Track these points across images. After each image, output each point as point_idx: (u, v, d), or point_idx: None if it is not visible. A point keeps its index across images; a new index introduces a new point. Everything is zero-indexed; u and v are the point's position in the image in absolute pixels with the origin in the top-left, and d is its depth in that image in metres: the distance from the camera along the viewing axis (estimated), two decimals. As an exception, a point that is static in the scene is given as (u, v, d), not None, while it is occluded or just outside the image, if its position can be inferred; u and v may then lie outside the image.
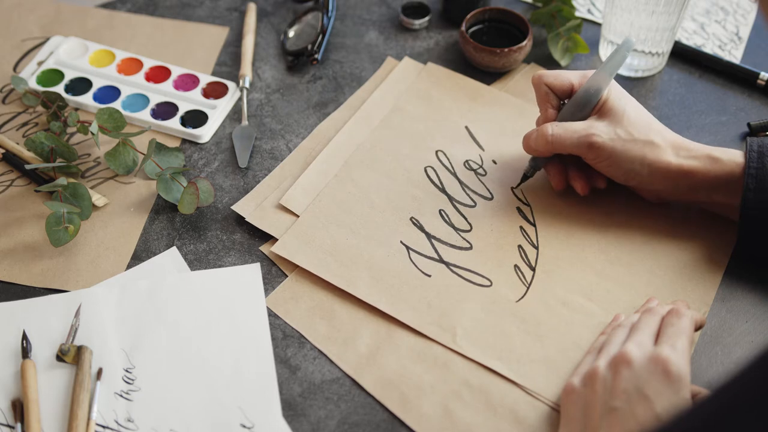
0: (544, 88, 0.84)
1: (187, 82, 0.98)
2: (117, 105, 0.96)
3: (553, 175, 0.85)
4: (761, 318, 0.78)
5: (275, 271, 0.82)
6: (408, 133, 0.93)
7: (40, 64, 1.00)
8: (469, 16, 1.00)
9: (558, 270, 0.81)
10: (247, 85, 0.97)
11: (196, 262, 0.83)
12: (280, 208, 0.86)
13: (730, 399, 0.48)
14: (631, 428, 0.63)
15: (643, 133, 0.80)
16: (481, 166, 0.90)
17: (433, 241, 0.84)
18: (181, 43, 1.03)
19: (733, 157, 0.79)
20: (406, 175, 0.89)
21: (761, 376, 0.48)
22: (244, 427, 0.72)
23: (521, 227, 0.85)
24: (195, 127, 0.94)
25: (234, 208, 0.86)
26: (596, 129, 0.80)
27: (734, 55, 1.02)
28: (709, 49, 1.03)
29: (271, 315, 0.79)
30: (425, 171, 0.89)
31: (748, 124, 0.94)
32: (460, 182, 0.89)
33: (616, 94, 0.82)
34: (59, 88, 0.97)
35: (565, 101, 0.84)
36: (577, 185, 0.84)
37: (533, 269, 0.82)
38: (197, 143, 0.93)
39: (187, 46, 1.03)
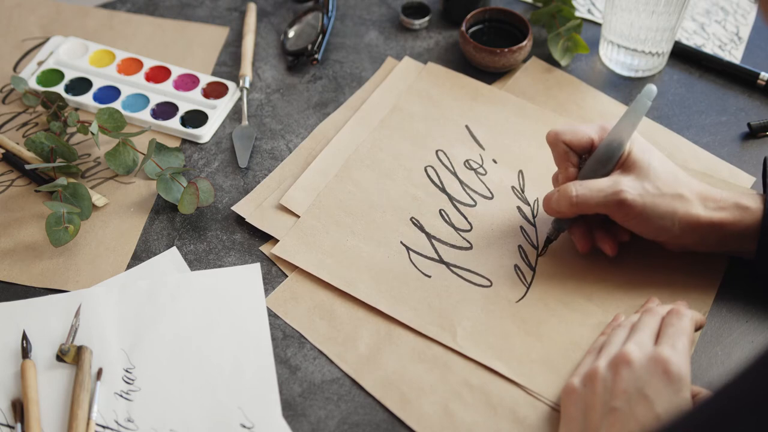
0: (562, 147, 0.79)
1: (187, 82, 0.98)
2: (117, 105, 0.96)
3: (579, 238, 0.80)
4: (761, 318, 0.78)
5: (275, 271, 0.82)
6: (408, 132, 0.93)
7: (40, 64, 1.00)
8: (469, 16, 1.00)
9: (558, 270, 0.81)
10: (247, 85, 0.97)
11: (196, 262, 0.83)
12: (280, 208, 0.86)
13: (730, 401, 0.48)
14: (631, 428, 0.63)
15: (671, 187, 0.76)
16: (481, 166, 0.90)
17: (433, 241, 0.84)
18: (181, 43, 1.03)
19: (761, 203, 0.76)
20: (406, 174, 0.89)
21: (761, 378, 0.48)
22: (244, 427, 0.72)
23: (521, 227, 0.85)
24: (195, 127, 0.94)
25: (234, 208, 0.86)
26: (623, 185, 0.75)
27: (734, 55, 1.02)
28: (709, 49, 1.03)
29: (271, 315, 0.79)
30: (425, 171, 0.89)
31: (748, 124, 0.94)
32: (461, 182, 0.89)
33: (639, 147, 0.78)
34: (59, 88, 0.97)
35: (585, 156, 0.80)
36: (606, 247, 0.80)
37: (533, 269, 0.82)
38: (197, 143, 0.93)
39: (187, 46, 1.03)
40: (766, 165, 0.80)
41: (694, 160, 0.90)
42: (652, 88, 0.78)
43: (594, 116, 0.95)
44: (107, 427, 0.72)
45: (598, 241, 0.80)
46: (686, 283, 0.80)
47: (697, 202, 0.76)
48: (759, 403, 0.46)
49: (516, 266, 0.82)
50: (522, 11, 1.06)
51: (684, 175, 0.78)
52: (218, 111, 0.96)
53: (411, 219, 0.85)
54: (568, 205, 0.77)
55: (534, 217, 0.86)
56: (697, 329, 0.74)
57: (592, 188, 0.76)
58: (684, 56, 1.01)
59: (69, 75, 0.99)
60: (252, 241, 0.85)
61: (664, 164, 0.78)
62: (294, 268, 0.82)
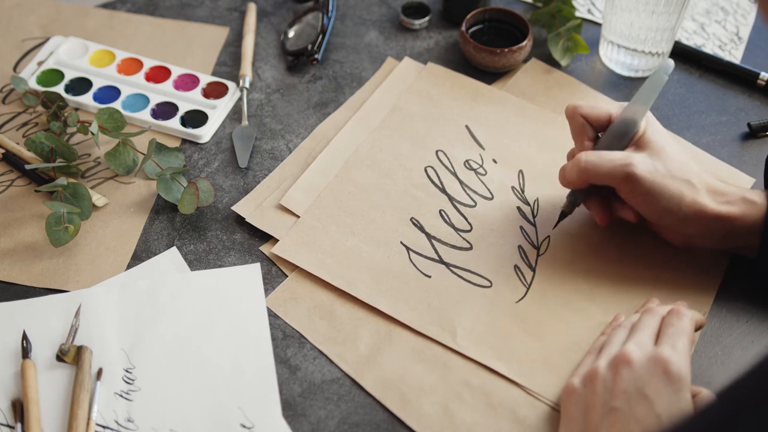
0: (579, 120, 0.79)
1: (187, 82, 0.98)
2: (117, 105, 0.96)
3: (596, 210, 0.80)
4: (761, 318, 0.78)
5: (275, 271, 0.82)
6: (408, 132, 0.93)
7: (40, 64, 1.00)
8: (469, 16, 1.00)
9: (558, 270, 0.81)
10: (247, 85, 0.97)
11: (196, 262, 0.83)
12: (280, 208, 0.86)
13: (731, 405, 0.48)
14: (632, 429, 0.63)
15: (681, 172, 0.76)
16: (481, 166, 0.90)
17: (433, 241, 0.84)
18: (181, 43, 1.03)
19: (765, 199, 0.76)
20: (406, 175, 0.89)
21: (763, 380, 0.47)
22: (244, 427, 0.72)
23: (521, 227, 0.85)
24: (195, 127, 0.94)
25: (234, 208, 0.86)
26: (635, 159, 0.75)
27: (734, 55, 1.02)
28: (709, 49, 1.03)
29: (271, 315, 0.79)
30: (425, 171, 0.89)
31: (748, 124, 0.94)
32: (461, 182, 0.89)
33: (654, 128, 0.78)
34: (59, 88, 0.97)
35: (601, 133, 0.80)
36: (627, 213, 0.79)
37: (533, 269, 0.82)
38: (197, 143, 0.93)
39: (187, 46, 1.03)
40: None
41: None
42: (670, 63, 0.77)
43: (594, 116, 0.95)
44: (107, 427, 0.72)
45: (617, 210, 0.80)
46: (686, 282, 0.80)
47: (704, 193, 0.76)
48: (760, 406, 0.46)
49: (516, 266, 0.82)
50: (522, 11, 1.06)
51: (695, 166, 0.78)
52: (218, 111, 0.96)
53: (411, 219, 0.85)
54: (577, 171, 0.77)
55: (534, 217, 0.86)
56: (697, 329, 0.74)
57: (602, 157, 0.76)
58: (684, 56, 1.01)
59: (69, 75, 0.99)
60: (252, 241, 0.85)
61: (676, 149, 0.78)
62: (294, 268, 0.82)
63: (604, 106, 0.80)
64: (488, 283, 0.81)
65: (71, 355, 0.75)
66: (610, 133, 0.78)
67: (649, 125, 0.78)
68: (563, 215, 0.82)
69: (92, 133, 0.88)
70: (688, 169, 0.77)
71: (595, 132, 0.80)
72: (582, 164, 0.76)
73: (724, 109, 0.96)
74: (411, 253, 0.83)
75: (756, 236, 0.76)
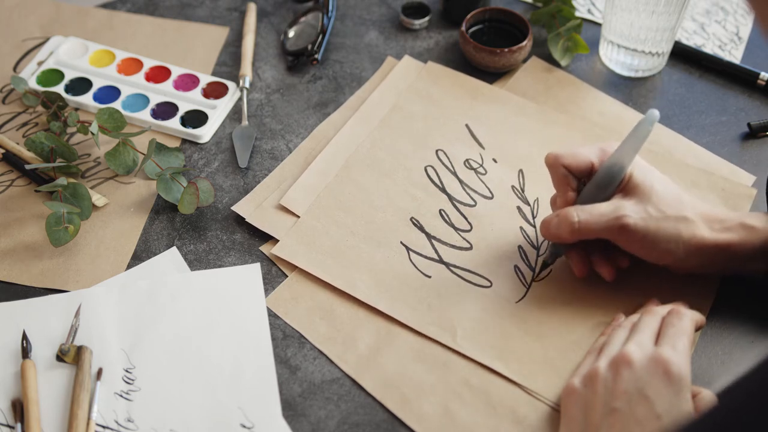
0: (561, 170, 0.77)
1: (187, 82, 0.98)
2: (117, 105, 0.96)
3: (576, 263, 0.78)
4: (761, 318, 0.78)
5: (275, 271, 0.82)
6: (408, 132, 0.93)
7: (40, 64, 1.00)
8: (469, 16, 1.00)
9: (558, 270, 0.81)
10: (247, 85, 0.97)
11: (196, 262, 0.83)
12: (280, 208, 0.86)
13: (732, 410, 0.48)
14: (632, 429, 0.64)
15: (674, 209, 0.74)
16: (481, 165, 0.90)
17: (433, 241, 0.84)
18: (181, 43, 1.03)
19: (767, 223, 0.74)
20: (406, 174, 0.89)
21: (764, 385, 0.47)
22: (244, 427, 0.72)
23: (521, 227, 0.85)
24: (195, 127, 0.94)
25: (234, 208, 0.86)
26: (625, 209, 0.74)
27: (734, 55, 1.02)
28: (709, 49, 1.03)
29: (271, 315, 0.79)
30: (425, 170, 0.89)
31: (748, 124, 0.94)
32: (461, 181, 0.89)
33: (640, 170, 0.76)
34: (59, 88, 0.97)
35: (584, 180, 0.78)
36: (604, 271, 0.78)
37: (533, 269, 0.82)
38: (197, 143, 0.93)
39: (187, 46, 1.03)
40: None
41: (694, 160, 0.90)
42: (654, 114, 0.76)
43: (594, 116, 0.95)
44: (107, 427, 0.72)
45: (595, 265, 0.78)
46: (686, 282, 0.80)
47: (701, 224, 0.74)
48: (762, 410, 0.46)
49: (516, 266, 0.82)
50: (522, 11, 1.06)
51: (687, 197, 0.76)
52: (218, 111, 0.96)
53: (411, 219, 0.85)
54: (570, 231, 0.75)
55: (534, 217, 0.86)
56: (697, 329, 0.74)
57: (593, 213, 0.75)
58: (684, 56, 1.01)
59: (69, 75, 0.99)
60: (252, 241, 0.85)
61: (666, 186, 0.76)
62: (294, 268, 0.82)
63: (584, 154, 0.77)
64: (488, 283, 0.81)
65: (71, 355, 0.75)
66: (594, 183, 0.76)
67: (635, 167, 0.76)
68: (545, 266, 0.80)
69: (92, 133, 0.88)
70: (681, 203, 0.75)
71: (578, 181, 0.78)
72: (575, 225, 0.75)
73: (724, 109, 0.96)
74: (411, 253, 0.83)
75: (757, 261, 0.74)
